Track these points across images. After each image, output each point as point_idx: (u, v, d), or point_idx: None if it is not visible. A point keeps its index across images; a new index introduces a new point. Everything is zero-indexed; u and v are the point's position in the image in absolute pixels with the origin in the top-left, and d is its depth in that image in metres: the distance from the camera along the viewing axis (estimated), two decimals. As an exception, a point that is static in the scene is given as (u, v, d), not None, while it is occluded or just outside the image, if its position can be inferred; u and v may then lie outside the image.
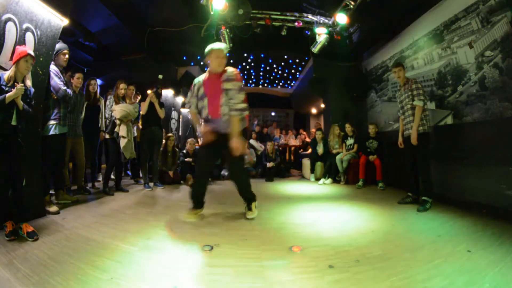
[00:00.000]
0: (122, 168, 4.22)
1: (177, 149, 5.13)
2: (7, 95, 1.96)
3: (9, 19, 2.21)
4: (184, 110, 7.65)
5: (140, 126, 4.55)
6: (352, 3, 4.31)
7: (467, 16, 3.07)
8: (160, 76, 5.03)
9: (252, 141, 6.39)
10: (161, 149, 4.65)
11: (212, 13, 4.18)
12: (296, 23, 5.01)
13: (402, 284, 1.39)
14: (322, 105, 7.76)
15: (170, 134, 5.09)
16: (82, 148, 3.50)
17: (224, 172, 5.25)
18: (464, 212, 2.77)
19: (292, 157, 8.19)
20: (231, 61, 2.49)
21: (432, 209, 2.85)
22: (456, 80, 3.25)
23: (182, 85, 6.64)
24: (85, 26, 4.97)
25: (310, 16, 5.07)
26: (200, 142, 6.61)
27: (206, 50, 2.49)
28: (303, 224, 2.45)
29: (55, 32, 2.71)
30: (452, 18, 3.28)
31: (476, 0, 2.94)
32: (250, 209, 2.65)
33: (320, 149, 5.47)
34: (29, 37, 2.41)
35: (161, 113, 4.28)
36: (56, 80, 2.86)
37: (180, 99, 7.06)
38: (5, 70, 2.16)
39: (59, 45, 2.90)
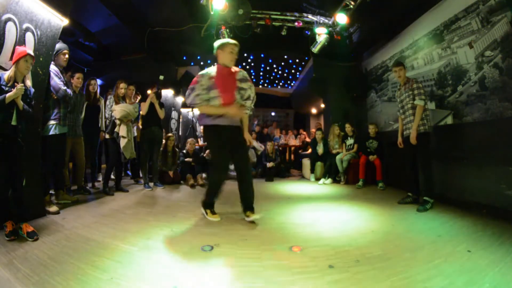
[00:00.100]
0: (122, 168, 4.22)
1: (177, 149, 5.13)
2: (7, 95, 1.96)
3: (9, 19, 2.21)
4: (184, 110, 7.66)
5: (140, 126, 4.55)
6: (352, 3, 4.31)
7: (467, 16, 3.07)
8: (161, 77, 5.03)
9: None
10: (161, 149, 4.65)
11: (212, 13, 4.18)
12: (296, 23, 5.01)
13: (402, 284, 1.39)
14: (322, 105, 7.76)
15: (170, 134, 5.09)
16: (82, 148, 3.50)
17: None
18: (464, 212, 2.77)
19: (292, 157, 8.19)
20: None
21: (432, 209, 2.85)
22: (456, 80, 3.25)
23: (182, 85, 6.64)
24: (85, 26, 4.98)
25: (310, 16, 5.07)
26: (200, 142, 6.62)
27: (222, 42, 2.51)
28: (303, 224, 2.45)
29: (55, 32, 2.71)
30: (452, 18, 3.28)
31: (476, 0, 2.94)
32: (253, 210, 2.52)
33: (320, 149, 5.47)
34: (29, 37, 2.41)
35: (161, 113, 4.29)
36: (56, 80, 2.86)
37: (180, 99, 7.06)
38: (5, 70, 2.16)
39: (59, 45, 2.90)
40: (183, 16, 4.98)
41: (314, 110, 10.96)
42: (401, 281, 1.42)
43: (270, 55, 8.05)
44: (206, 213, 2.57)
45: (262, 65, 8.87)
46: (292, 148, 8.25)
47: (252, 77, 10.02)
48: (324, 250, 1.85)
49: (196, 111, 7.54)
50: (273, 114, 13.01)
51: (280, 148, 7.27)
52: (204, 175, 4.95)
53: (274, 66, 8.99)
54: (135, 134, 4.59)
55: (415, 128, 2.94)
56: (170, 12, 4.93)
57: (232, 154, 2.52)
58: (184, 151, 5.15)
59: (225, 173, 2.56)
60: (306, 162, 5.84)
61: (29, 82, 2.24)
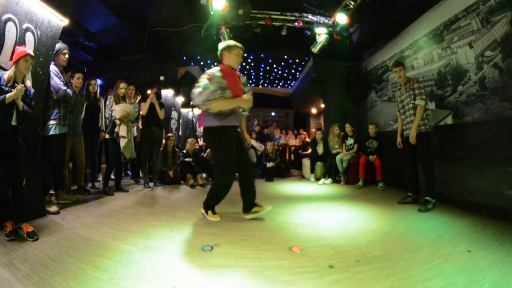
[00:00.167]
0: (122, 168, 4.22)
1: (177, 149, 5.13)
2: (7, 95, 1.96)
3: (9, 19, 2.21)
4: (184, 110, 7.66)
5: (140, 126, 4.55)
6: (352, 3, 4.31)
7: (467, 16, 3.07)
8: (162, 78, 5.04)
9: (252, 141, 6.38)
10: (161, 149, 4.65)
11: (212, 13, 4.17)
12: (296, 23, 5.01)
13: (402, 284, 1.39)
14: (322, 105, 7.76)
15: (170, 134, 5.10)
16: (82, 148, 3.50)
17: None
18: (464, 212, 2.77)
19: (292, 157, 8.20)
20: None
21: (432, 209, 2.84)
22: (456, 80, 3.25)
23: (182, 85, 6.64)
24: (85, 26, 4.98)
25: (310, 16, 5.07)
26: (200, 142, 6.62)
27: (229, 44, 2.52)
28: (303, 224, 2.45)
29: (55, 32, 2.71)
30: (452, 18, 3.28)
31: (476, 0, 2.94)
32: (257, 205, 2.59)
33: (320, 149, 5.47)
34: (29, 37, 2.41)
35: (161, 114, 4.29)
36: (56, 80, 2.86)
37: (180, 99, 7.06)
38: (5, 70, 2.16)
39: (59, 45, 2.90)
40: (183, 16, 4.98)
41: (314, 110, 10.96)
42: (401, 281, 1.42)
43: (270, 55, 8.05)
44: (207, 213, 2.57)
45: (262, 65, 8.88)
46: (292, 148, 8.25)
47: (252, 77, 10.04)
48: (324, 250, 1.85)
49: (196, 111, 7.54)
50: (273, 114, 13.01)
51: (280, 148, 7.27)
52: (204, 175, 4.95)
53: (274, 66, 8.99)
54: (135, 134, 4.59)
55: (415, 128, 2.94)
56: (170, 12, 4.93)
57: (237, 154, 2.50)
58: (184, 151, 5.15)
59: (234, 177, 2.50)
60: (306, 162, 5.84)
61: (29, 82, 2.24)
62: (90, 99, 3.79)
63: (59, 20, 2.73)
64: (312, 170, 5.47)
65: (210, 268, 1.59)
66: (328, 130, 5.83)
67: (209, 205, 2.58)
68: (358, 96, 5.87)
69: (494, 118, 2.75)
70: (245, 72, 9.11)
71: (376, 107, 5.37)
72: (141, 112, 4.31)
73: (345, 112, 5.96)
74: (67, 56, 3.00)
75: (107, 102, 3.84)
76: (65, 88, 2.90)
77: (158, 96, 4.30)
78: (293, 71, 9.21)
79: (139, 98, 4.22)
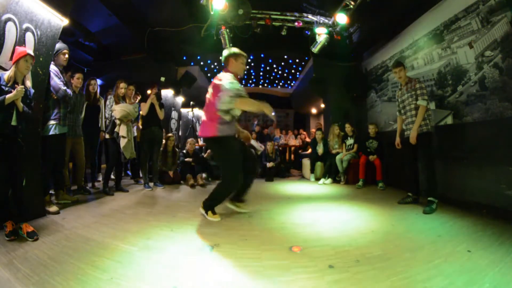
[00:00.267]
0: (122, 168, 4.22)
1: (177, 149, 5.13)
2: (7, 96, 1.96)
3: (9, 19, 2.21)
4: (184, 110, 7.66)
5: (140, 126, 4.55)
6: (352, 3, 4.31)
7: (467, 16, 3.07)
8: (163, 79, 5.03)
9: (252, 141, 6.38)
10: (161, 149, 4.65)
11: (212, 13, 4.17)
12: (296, 23, 5.01)
13: (402, 284, 1.39)
14: (322, 105, 7.76)
15: (170, 134, 5.10)
16: (82, 148, 3.50)
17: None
18: (464, 212, 2.77)
19: (292, 157, 8.20)
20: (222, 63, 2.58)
21: (436, 209, 2.82)
22: (456, 80, 3.25)
23: (182, 85, 6.64)
24: (85, 26, 4.97)
25: (310, 16, 5.06)
26: (200, 142, 6.62)
27: (236, 51, 2.58)
28: (303, 224, 2.45)
29: (55, 32, 2.71)
30: (452, 18, 3.28)
31: (476, 0, 2.94)
32: (243, 202, 2.81)
33: (320, 149, 5.47)
34: (29, 37, 2.41)
35: (161, 114, 4.30)
36: (56, 80, 2.86)
37: (180, 99, 7.06)
38: (5, 70, 2.16)
39: (59, 45, 2.90)
40: (183, 16, 4.98)
41: (314, 110, 10.96)
42: (401, 281, 1.42)
43: (270, 55, 8.04)
44: (207, 214, 2.57)
45: (262, 65, 8.88)
46: (292, 148, 8.25)
47: (252, 77, 10.04)
48: (324, 250, 1.85)
49: (196, 111, 7.55)
50: (273, 114, 13.00)
51: (280, 148, 7.27)
52: (204, 175, 4.95)
53: (274, 66, 8.99)
54: (135, 134, 4.59)
55: (416, 128, 2.92)
56: (170, 12, 4.93)
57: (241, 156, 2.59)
58: (184, 151, 5.15)
59: (238, 184, 2.56)
60: (306, 162, 5.84)
61: (29, 83, 2.24)
62: (90, 99, 3.79)
63: (59, 20, 2.73)
64: (312, 170, 5.47)
65: (210, 268, 1.59)
66: (328, 130, 5.83)
67: (209, 205, 2.59)
68: (358, 96, 5.87)
69: (494, 118, 2.75)
70: (245, 72, 9.11)
71: (376, 107, 5.37)
72: (141, 112, 4.31)
73: (345, 112, 5.96)
74: (67, 56, 3.00)
75: (107, 102, 3.84)
76: (65, 88, 2.90)
77: (159, 96, 4.31)
78: (293, 71, 9.20)
79: (139, 98, 4.22)
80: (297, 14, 5.04)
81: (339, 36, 5.02)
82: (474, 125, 2.99)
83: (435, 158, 3.05)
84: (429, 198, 2.88)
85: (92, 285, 1.37)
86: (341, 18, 4.60)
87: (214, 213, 2.57)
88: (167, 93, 6.34)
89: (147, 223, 2.42)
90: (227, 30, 4.75)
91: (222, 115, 2.43)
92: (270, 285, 1.40)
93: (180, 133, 7.45)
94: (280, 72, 9.45)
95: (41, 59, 2.56)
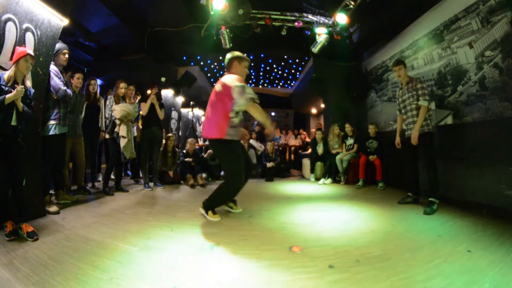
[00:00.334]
0: (122, 168, 4.22)
1: (177, 149, 5.13)
2: (7, 96, 1.96)
3: (9, 19, 2.21)
4: (184, 110, 7.66)
5: (140, 126, 4.55)
6: (352, 3, 4.31)
7: (467, 16, 3.07)
8: (163, 79, 5.04)
9: (252, 141, 6.39)
10: (161, 149, 4.65)
11: (212, 13, 4.17)
12: (296, 23, 5.01)
13: (402, 284, 1.39)
14: (322, 105, 7.76)
15: (170, 134, 5.10)
16: (82, 148, 3.50)
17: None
18: (464, 212, 2.77)
19: (292, 157, 8.20)
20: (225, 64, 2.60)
21: (437, 209, 2.81)
22: (456, 80, 3.25)
23: (182, 85, 6.64)
24: (85, 26, 4.97)
25: (310, 16, 5.07)
26: (200, 142, 6.62)
27: (240, 55, 2.61)
28: (303, 224, 2.45)
29: (55, 32, 2.71)
30: (452, 18, 3.28)
31: (476, 0, 2.94)
32: (235, 202, 2.88)
33: (320, 149, 5.47)
34: (29, 37, 2.41)
35: (161, 114, 4.30)
36: (56, 80, 2.86)
37: (180, 99, 7.06)
38: (5, 70, 2.16)
39: (59, 45, 2.90)
40: (183, 16, 4.98)
41: (314, 110, 10.96)
42: (401, 281, 1.42)
43: (270, 55, 8.05)
44: (207, 213, 2.57)
45: (262, 65, 8.89)
46: (292, 148, 8.25)
47: (252, 77, 10.04)
48: (324, 250, 1.85)
49: (196, 111, 7.55)
50: (273, 114, 13.02)
51: (280, 148, 7.28)
52: (204, 175, 4.95)
53: (274, 66, 9.00)
54: (135, 134, 4.59)
55: (418, 128, 2.90)
56: (170, 12, 4.93)
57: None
58: (184, 151, 5.16)
59: (242, 186, 2.60)
60: (306, 162, 5.84)
61: (29, 82, 2.24)
62: (90, 99, 3.79)
63: (59, 20, 2.73)
64: (312, 170, 5.47)
65: (210, 268, 1.59)
66: (328, 130, 5.83)
67: (210, 206, 2.59)
68: (358, 96, 5.87)
69: (494, 118, 2.75)
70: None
71: (376, 107, 5.37)
72: (141, 112, 4.31)
73: (345, 112, 5.97)
74: (67, 56, 3.00)
75: (107, 102, 3.84)
76: (65, 88, 2.90)
77: (159, 96, 4.31)
78: (293, 71, 9.22)
79: (138, 98, 4.23)
80: (297, 14, 5.04)
81: (339, 36, 5.03)
82: (474, 125, 2.99)
83: (436, 158, 3.04)
84: (430, 199, 2.86)
85: (92, 285, 1.37)
86: (341, 18, 4.60)
87: (214, 213, 2.57)
88: (167, 93, 6.34)
89: (147, 223, 2.42)
90: (227, 30, 4.75)
91: (233, 117, 2.44)
92: (270, 285, 1.40)
93: (180, 133, 7.45)
94: (280, 72, 9.46)
95: (41, 59, 2.57)
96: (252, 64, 8.50)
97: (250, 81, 10.46)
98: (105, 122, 3.94)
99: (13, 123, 2.05)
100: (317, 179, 5.33)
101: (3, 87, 2.00)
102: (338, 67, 6.06)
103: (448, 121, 3.36)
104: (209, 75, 8.37)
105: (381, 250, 1.82)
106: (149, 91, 4.31)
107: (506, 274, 1.47)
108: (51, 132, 2.83)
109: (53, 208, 2.65)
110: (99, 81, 5.07)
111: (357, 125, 5.48)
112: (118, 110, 3.63)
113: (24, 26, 2.35)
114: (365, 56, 5.79)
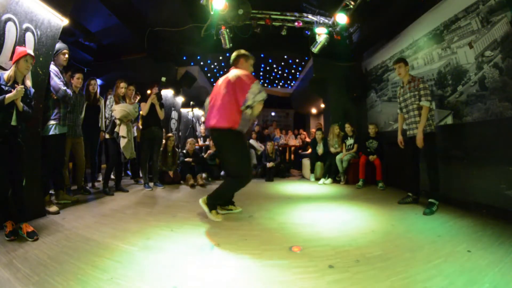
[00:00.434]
0: (122, 168, 4.21)
1: (177, 149, 5.13)
2: (7, 96, 1.96)
3: (9, 19, 2.21)
4: (184, 110, 7.66)
5: (140, 126, 4.55)
6: (352, 3, 4.31)
7: (467, 16, 3.07)
8: (163, 79, 5.03)
9: (252, 141, 6.39)
10: (161, 149, 4.65)
11: (212, 13, 4.18)
12: (296, 23, 5.01)
13: (402, 284, 1.39)
14: (322, 105, 7.76)
15: (170, 134, 5.09)
16: (82, 148, 3.50)
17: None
18: (464, 212, 2.77)
19: (292, 157, 8.19)
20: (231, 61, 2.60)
21: (437, 211, 2.81)
22: (456, 80, 3.25)
23: (182, 85, 6.64)
24: (85, 26, 4.98)
25: (310, 16, 5.07)
26: (200, 142, 6.62)
27: (247, 53, 2.66)
28: (303, 224, 2.45)
29: (55, 32, 2.71)
30: (452, 18, 3.28)
31: (476, 0, 2.94)
32: (233, 203, 2.87)
33: (320, 149, 5.47)
34: (29, 37, 2.41)
35: (161, 114, 4.30)
36: (56, 80, 2.86)
37: (180, 99, 7.06)
38: (5, 70, 2.16)
39: (59, 45, 2.90)
40: (183, 16, 4.98)
41: (314, 110, 10.96)
42: (401, 281, 1.42)
43: (270, 55, 8.06)
44: (210, 212, 2.54)
45: (262, 65, 8.89)
46: (292, 148, 8.25)
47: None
48: (324, 250, 1.85)
49: (196, 111, 7.55)
50: (273, 114, 13.02)
51: (280, 148, 7.27)
52: (204, 175, 4.95)
53: (274, 66, 9.00)
54: (135, 134, 4.59)
55: (421, 130, 2.88)
56: (170, 12, 4.93)
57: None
58: (184, 151, 5.16)
59: (249, 181, 2.56)
60: (306, 162, 5.84)
61: (29, 82, 2.24)
62: (90, 99, 3.79)
63: (59, 20, 2.73)
64: (312, 170, 5.47)
65: (210, 268, 1.59)
66: (328, 130, 5.83)
67: (214, 204, 2.56)
68: (358, 96, 5.87)
69: (494, 118, 2.74)
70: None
71: (376, 107, 5.37)
72: (141, 112, 4.31)
73: (345, 112, 5.97)
74: (67, 56, 3.00)
75: (107, 102, 3.84)
76: (65, 88, 2.90)
77: (159, 96, 4.31)
78: (293, 71, 9.22)
79: (138, 98, 4.23)
80: (297, 14, 5.04)
81: (339, 36, 5.03)
82: (474, 125, 2.99)
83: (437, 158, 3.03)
84: (430, 200, 2.86)
85: (92, 285, 1.37)
86: (341, 18, 4.60)
87: (217, 213, 2.57)
88: (167, 93, 6.34)
89: (147, 223, 2.42)
90: (227, 30, 4.76)
91: (244, 109, 2.40)
92: (270, 285, 1.40)
93: (180, 133, 7.44)
94: (280, 72, 9.46)
95: (41, 59, 2.57)
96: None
97: (250, 81, 10.44)
98: (105, 122, 3.94)
99: (13, 123, 2.05)
100: (317, 179, 5.33)
101: (3, 86, 2.00)
102: (338, 67, 6.06)
103: (448, 121, 3.36)
104: (209, 75, 8.37)
105: (381, 250, 1.82)
106: (149, 91, 4.31)
107: (506, 274, 1.47)
108: (51, 132, 2.83)
109: (53, 208, 2.65)
110: (99, 81, 5.08)
111: (357, 125, 5.48)
112: (118, 110, 3.63)
113: (24, 26, 2.35)
114: (365, 56, 5.79)
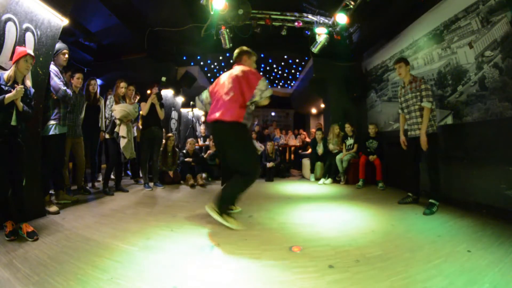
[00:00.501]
0: (122, 168, 4.22)
1: (177, 149, 5.13)
2: (7, 96, 1.96)
3: (9, 19, 2.21)
4: (184, 110, 7.66)
5: (140, 126, 4.55)
6: (352, 3, 4.31)
7: (467, 16, 3.07)
8: (164, 79, 5.04)
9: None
10: (161, 149, 4.65)
11: (212, 13, 4.18)
12: (296, 23, 5.01)
13: (402, 284, 1.39)
14: (322, 105, 7.76)
15: (170, 134, 5.10)
16: (82, 148, 3.50)
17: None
18: (464, 212, 2.77)
19: (292, 157, 8.19)
20: (231, 61, 2.53)
21: (437, 211, 2.80)
22: (456, 80, 3.25)
23: (182, 85, 6.64)
24: (85, 26, 4.98)
25: (310, 16, 5.07)
26: (200, 142, 6.62)
27: (250, 50, 2.68)
28: (303, 224, 2.45)
29: (55, 32, 2.71)
30: (452, 18, 3.28)
31: (476, 0, 2.94)
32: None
33: (320, 149, 5.47)
34: (29, 37, 2.41)
35: (161, 114, 4.30)
36: (56, 80, 2.86)
37: (180, 99, 7.06)
38: (5, 70, 2.16)
39: (59, 45, 2.90)
40: (183, 16, 4.98)
41: (314, 110, 10.96)
42: (401, 281, 1.42)
43: (270, 55, 8.05)
44: (222, 217, 2.29)
45: (262, 65, 8.88)
46: (292, 148, 8.25)
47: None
48: (324, 250, 1.85)
49: (196, 111, 7.55)
50: (273, 114, 13.02)
51: (280, 148, 7.27)
52: (204, 175, 4.95)
53: (274, 66, 8.99)
54: (135, 134, 4.58)
55: (424, 132, 2.86)
56: (170, 12, 4.93)
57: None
58: (184, 151, 5.16)
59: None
60: (306, 162, 5.84)
61: (29, 82, 2.24)
62: (90, 99, 3.79)
63: (59, 20, 2.73)
64: (312, 170, 5.47)
65: (210, 268, 1.59)
66: (328, 130, 5.83)
67: (226, 208, 2.38)
68: (358, 96, 5.87)
69: (494, 118, 2.74)
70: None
71: (376, 107, 5.37)
72: (141, 112, 4.31)
73: (345, 112, 5.97)
74: (67, 56, 3.00)
75: (107, 102, 3.84)
76: (65, 88, 2.90)
77: (159, 96, 4.31)
78: (293, 71, 9.21)
79: (138, 98, 4.22)
80: (297, 14, 5.04)
81: (339, 36, 5.03)
82: (474, 125, 2.99)
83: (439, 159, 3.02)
84: (430, 200, 2.85)
85: (92, 285, 1.37)
86: (341, 18, 4.60)
87: (231, 216, 2.37)
88: (167, 93, 6.34)
89: (147, 223, 2.42)
90: (227, 30, 4.76)
91: (249, 104, 2.42)
92: (270, 285, 1.40)
93: (180, 133, 7.44)
94: (280, 72, 9.45)
95: (41, 59, 2.57)
96: (252, 64, 8.50)
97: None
98: (105, 122, 3.94)
99: (13, 123, 2.05)
100: (317, 179, 5.33)
101: (3, 86, 2.00)
102: (338, 67, 6.06)
103: (448, 121, 3.36)
104: (209, 75, 8.36)
105: (381, 250, 1.82)
106: (149, 91, 4.31)
107: (506, 274, 1.47)
108: (51, 132, 2.83)
109: (53, 208, 2.65)
110: (99, 81, 5.08)
111: (357, 125, 5.48)
112: (118, 110, 3.63)
113: (24, 26, 2.35)
114: (365, 56, 5.79)
